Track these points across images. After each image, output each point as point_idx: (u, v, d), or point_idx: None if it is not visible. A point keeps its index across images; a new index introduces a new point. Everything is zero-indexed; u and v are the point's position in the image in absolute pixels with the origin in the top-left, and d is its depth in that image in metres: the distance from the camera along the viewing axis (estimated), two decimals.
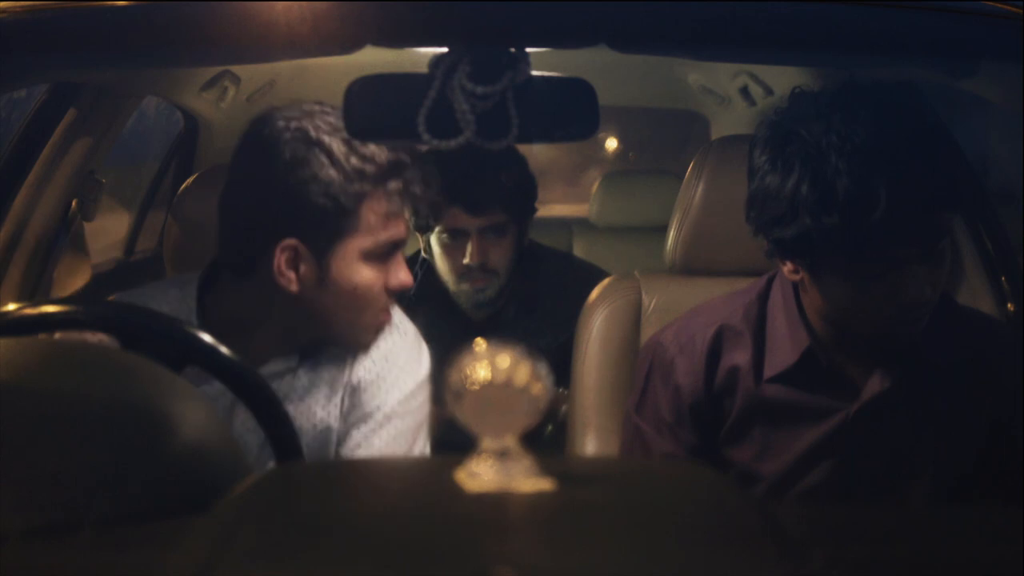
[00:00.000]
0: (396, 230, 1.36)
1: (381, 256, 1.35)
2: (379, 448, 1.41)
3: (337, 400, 1.41)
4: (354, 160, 1.31)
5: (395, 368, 1.44)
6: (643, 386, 1.45)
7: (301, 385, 1.39)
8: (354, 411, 1.41)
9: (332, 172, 1.30)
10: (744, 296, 1.44)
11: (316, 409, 1.40)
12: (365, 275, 1.33)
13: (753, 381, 1.38)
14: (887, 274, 1.23)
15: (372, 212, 1.33)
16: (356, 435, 1.41)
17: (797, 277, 1.34)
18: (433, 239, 2.14)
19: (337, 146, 1.31)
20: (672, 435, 1.41)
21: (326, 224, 1.30)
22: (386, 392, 1.42)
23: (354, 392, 1.41)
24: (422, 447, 1.47)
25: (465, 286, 2.12)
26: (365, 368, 1.41)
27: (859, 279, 1.25)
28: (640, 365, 1.48)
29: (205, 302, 1.39)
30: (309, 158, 1.29)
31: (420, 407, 1.47)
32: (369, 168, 1.32)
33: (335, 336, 1.38)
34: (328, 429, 1.40)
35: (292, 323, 1.36)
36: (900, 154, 1.22)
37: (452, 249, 2.11)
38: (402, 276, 1.37)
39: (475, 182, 2.03)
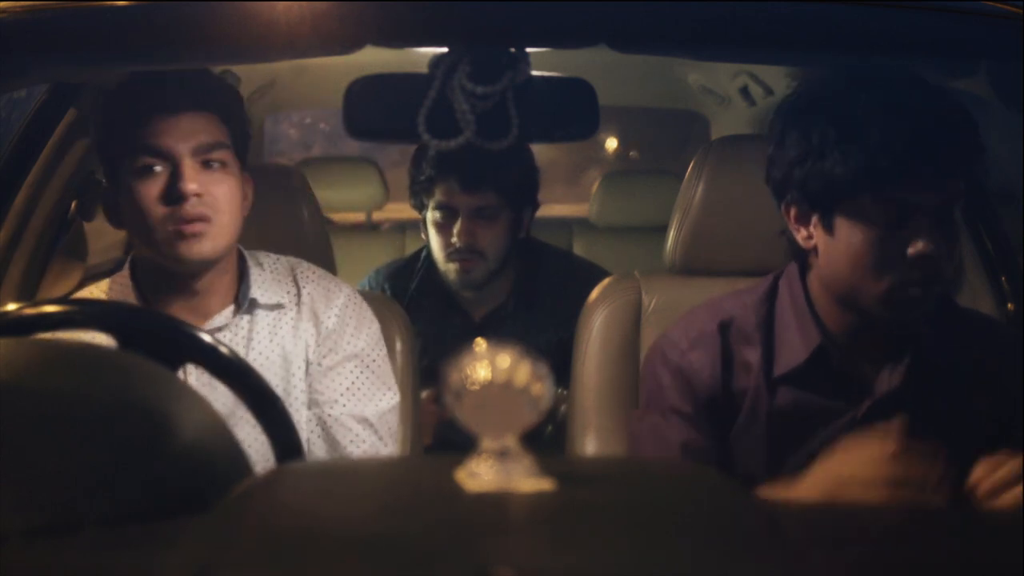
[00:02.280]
0: None
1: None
2: (342, 384, 1.58)
3: (303, 343, 1.58)
4: None
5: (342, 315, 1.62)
6: (655, 383, 1.43)
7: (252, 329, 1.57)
8: (324, 347, 1.59)
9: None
10: (750, 295, 1.44)
11: (286, 347, 1.57)
12: None
13: (763, 379, 1.38)
14: (899, 227, 1.25)
15: None
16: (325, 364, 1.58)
17: (811, 243, 1.34)
18: (428, 219, 2.14)
19: None
20: (692, 424, 1.39)
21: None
22: (351, 336, 1.60)
23: (323, 332, 1.59)
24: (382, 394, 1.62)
25: (452, 266, 2.13)
26: (330, 315, 1.60)
27: (873, 231, 1.27)
28: (648, 363, 1.47)
29: (140, 286, 1.55)
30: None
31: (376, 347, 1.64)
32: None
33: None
34: (296, 363, 1.57)
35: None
36: (927, 111, 1.29)
37: (442, 227, 2.11)
38: None
39: (471, 159, 2.03)
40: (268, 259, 1.63)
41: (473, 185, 2.06)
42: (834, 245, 1.32)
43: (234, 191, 1.49)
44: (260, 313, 1.57)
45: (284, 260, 1.64)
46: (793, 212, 1.36)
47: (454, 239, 2.09)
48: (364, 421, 1.57)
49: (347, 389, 1.58)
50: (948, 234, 1.29)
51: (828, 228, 1.32)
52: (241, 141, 1.54)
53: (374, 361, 1.62)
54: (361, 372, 1.59)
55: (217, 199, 1.46)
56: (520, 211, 2.16)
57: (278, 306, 1.58)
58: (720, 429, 1.40)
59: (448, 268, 2.13)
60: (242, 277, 1.58)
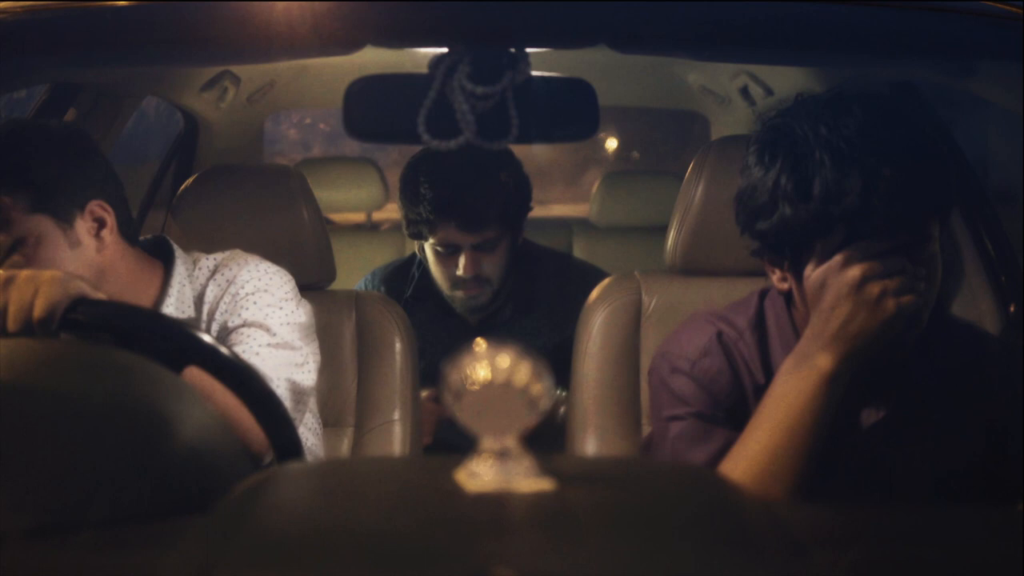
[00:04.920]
0: None
1: None
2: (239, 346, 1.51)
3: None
4: None
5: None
6: (670, 393, 1.41)
7: None
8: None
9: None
10: (739, 315, 1.42)
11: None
12: None
13: (758, 392, 1.36)
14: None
15: None
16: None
17: (786, 286, 1.33)
18: (427, 247, 2.14)
19: None
20: (725, 420, 1.37)
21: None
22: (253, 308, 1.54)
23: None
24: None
25: (459, 293, 2.12)
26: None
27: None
28: (657, 375, 1.44)
29: None
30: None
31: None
32: None
33: None
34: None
35: None
36: (887, 151, 1.22)
37: (445, 259, 2.11)
38: None
39: (468, 202, 2.03)
40: (204, 262, 1.60)
41: (473, 226, 2.06)
42: (806, 292, 1.29)
43: (50, 261, 1.44)
44: None
45: (220, 258, 1.60)
46: (764, 258, 1.35)
47: (459, 271, 2.08)
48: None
49: (246, 351, 1.49)
50: (924, 268, 1.24)
51: (797, 277, 1.31)
52: (40, 195, 1.45)
53: (285, 340, 1.52)
54: (263, 340, 1.51)
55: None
56: (517, 227, 2.16)
57: (189, 320, 1.54)
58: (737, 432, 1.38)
59: (454, 295, 2.14)
60: (166, 287, 1.55)
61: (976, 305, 1.94)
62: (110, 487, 0.72)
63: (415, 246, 2.25)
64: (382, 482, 0.72)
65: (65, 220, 1.47)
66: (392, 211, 3.69)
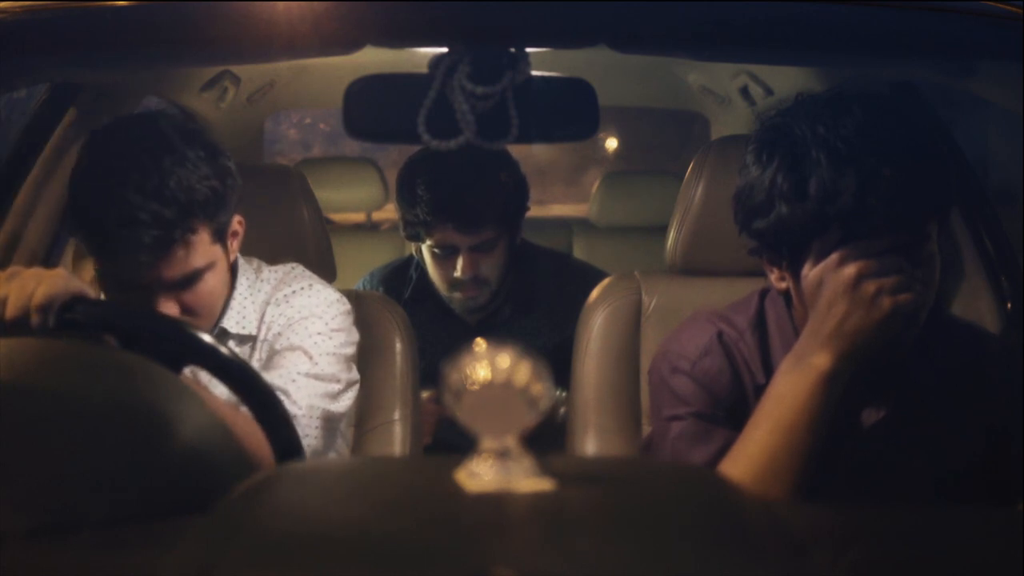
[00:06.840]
0: None
1: None
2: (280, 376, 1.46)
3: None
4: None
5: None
6: (670, 394, 1.41)
7: None
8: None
9: None
10: (739, 315, 1.42)
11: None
12: None
13: (759, 392, 1.36)
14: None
15: None
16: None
17: (784, 285, 1.33)
18: (424, 249, 2.13)
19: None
20: (725, 420, 1.36)
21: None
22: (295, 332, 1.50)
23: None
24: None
25: (457, 295, 2.12)
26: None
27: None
28: (657, 374, 1.44)
29: None
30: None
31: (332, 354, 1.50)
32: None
33: None
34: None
35: None
36: (885, 151, 1.22)
37: (443, 260, 2.10)
38: None
39: (465, 202, 2.02)
40: (266, 274, 1.57)
41: (471, 228, 2.05)
42: (804, 291, 1.29)
43: (211, 284, 1.44)
44: (231, 344, 1.50)
45: (281, 272, 1.58)
46: (762, 257, 1.35)
47: (457, 273, 2.08)
48: (283, 392, 1.43)
49: (284, 376, 1.45)
50: (922, 268, 1.24)
51: (795, 276, 1.31)
52: (223, 222, 1.44)
53: (324, 371, 1.48)
54: (303, 367, 1.47)
55: (194, 303, 1.43)
56: (515, 227, 2.15)
57: (248, 337, 1.52)
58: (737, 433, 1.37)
59: (452, 296, 2.13)
60: (228, 300, 1.52)
61: (976, 305, 1.94)
62: (110, 487, 0.72)
63: (412, 248, 2.24)
64: (382, 482, 0.72)
65: (226, 247, 1.46)
66: (392, 211, 3.70)
